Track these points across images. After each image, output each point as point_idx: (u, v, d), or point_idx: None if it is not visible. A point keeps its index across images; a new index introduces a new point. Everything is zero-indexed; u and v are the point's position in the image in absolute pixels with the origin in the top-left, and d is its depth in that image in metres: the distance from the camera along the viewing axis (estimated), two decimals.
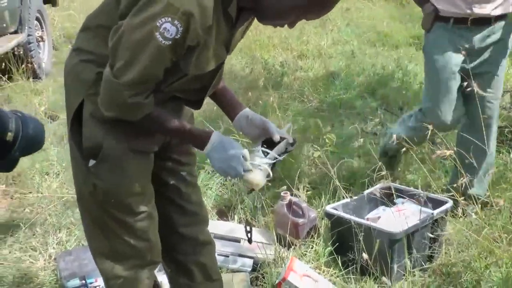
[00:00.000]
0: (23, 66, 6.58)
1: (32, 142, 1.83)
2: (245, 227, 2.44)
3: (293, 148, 2.29)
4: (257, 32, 7.59)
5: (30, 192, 4.42)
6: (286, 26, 2.07)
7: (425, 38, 3.77)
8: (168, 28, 1.82)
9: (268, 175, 2.16)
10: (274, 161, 2.20)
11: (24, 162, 4.75)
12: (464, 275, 2.98)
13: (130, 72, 1.88)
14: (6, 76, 6.41)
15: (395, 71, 6.07)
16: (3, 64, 6.39)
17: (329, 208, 3.33)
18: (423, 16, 3.65)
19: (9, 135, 1.75)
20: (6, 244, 3.78)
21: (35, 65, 6.88)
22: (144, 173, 2.19)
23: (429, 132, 3.18)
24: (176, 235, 2.45)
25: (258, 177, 2.14)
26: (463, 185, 3.02)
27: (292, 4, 1.94)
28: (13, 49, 6.50)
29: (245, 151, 2.11)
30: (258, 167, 2.15)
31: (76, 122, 2.14)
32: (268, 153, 2.19)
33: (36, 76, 6.91)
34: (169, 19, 1.81)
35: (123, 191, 2.13)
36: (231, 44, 2.11)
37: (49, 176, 4.66)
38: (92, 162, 2.09)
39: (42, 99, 6.30)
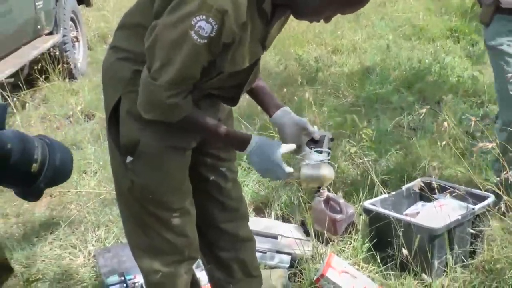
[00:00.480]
0: (59, 66, 6.65)
1: (59, 173, 1.75)
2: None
3: (332, 144, 2.30)
4: (290, 28, 7.56)
5: (69, 190, 4.46)
6: (321, 21, 2.06)
7: (485, 33, 3.58)
8: (203, 26, 1.82)
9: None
10: (329, 156, 2.23)
11: None
12: (508, 272, 2.92)
13: (167, 72, 1.89)
14: (43, 76, 6.48)
15: (432, 65, 5.99)
16: (40, 64, 6.45)
17: (367, 203, 3.31)
18: (482, 9, 3.47)
19: (34, 166, 1.68)
20: (47, 241, 3.84)
21: (70, 65, 6.94)
22: (181, 170, 2.20)
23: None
24: (216, 231, 2.46)
25: (328, 171, 2.19)
26: (507, 180, 2.95)
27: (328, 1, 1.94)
28: (49, 50, 6.56)
29: (283, 147, 2.12)
30: (323, 162, 2.18)
31: (113, 119, 2.15)
32: (319, 151, 2.21)
33: (72, 76, 6.97)
34: (204, 17, 1.81)
35: (160, 188, 2.15)
36: (266, 41, 2.10)
37: (87, 174, 4.73)
38: (129, 159, 2.10)
39: (79, 98, 6.37)
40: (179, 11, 1.83)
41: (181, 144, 2.15)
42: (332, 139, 2.28)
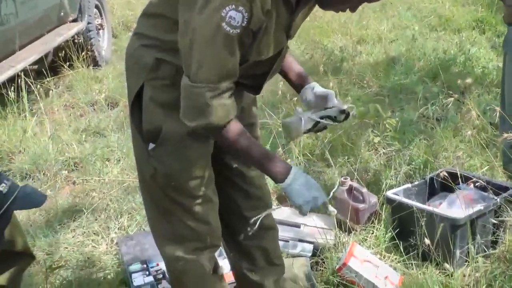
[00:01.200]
0: (83, 54, 6.68)
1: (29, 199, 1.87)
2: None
3: (344, 119, 2.29)
4: (316, 18, 7.54)
5: (92, 178, 4.50)
6: (346, 11, 2.05)
7: (507, 34, 3.38)
8: (234, 16, 1.81)
9: (307, 129, 2.24)
10: (317, 119, 2.24)
11: (85, 148, 4.88)
12: None
13: (206, 71, 1.87)
14: (67, 64, 6.53)
15: (457, 55, 5.97)
16: (64, 52, 6.50)
17: (390, 193, 3.32)
18: (505, 9, 3.24)
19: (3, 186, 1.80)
20: (70, 228, 3.89)
21: (95, 53, 6.98)
22: (203, 157, 2.20)
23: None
24: (240, 218, 2.46)
25: (296, 128, 2.25)
26: None
27: None
28: (73, 37, 6.60)
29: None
30: (300, 115, 2.24)
31: (136, 106, 2.16)
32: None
33: (96, 64, 7.01)
34: (233, 6, 1.80)
35: (182, 175, 2.15)
36: (291, 30, 2.10)
37: (110, 162, 4.77)
38: (151, 146, 2.12)
39: (102, 86, 6.44)
40: (207, 7, 1.82)
41: None
42: (344, 113, 2.25)
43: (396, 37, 6.92)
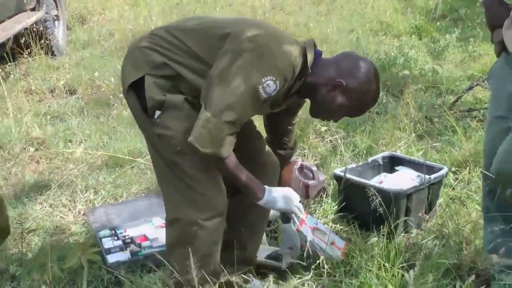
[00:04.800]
0: (41, 41, 6.81)
1: None
2: None
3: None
4: (267, 19, 7.76)
5: (56, 157, 4.71)
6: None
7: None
8: (271, 85, 2.28)
9: None
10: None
11: (48, 130, 5.06)
12: (452, 236, 3.25)
13: (232, 114, 2.28)
14: (27, 51, 6.66)
15: (397, 57, 6.30)
16: (24, 39, 6.62)
17: (337, 171, 3.64)
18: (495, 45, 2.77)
19: None
20: (37, 201, 4.08)
21: (52, 42, 7.10)
22: None
23: None
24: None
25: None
26: None
27: (342, 104, 2.45)
28: (32, 25, 6.71)
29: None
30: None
31: (131, 91, 2.48)
32: None
33: (53, 53, 7.15)
34: (273, 78, 2.27)
35: (186, 137, 2.36)
36: (274, 107, 2.55)
37: (72, 144, 4.96)
38: (157, 113, 2.40)
39: (60, 74, 6.59)
40: (255, 69, 2.26)
41: None
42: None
43: (341, 39, 7.23)
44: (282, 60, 2.29)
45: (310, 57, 2.39)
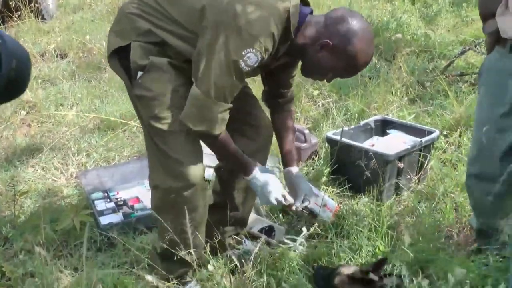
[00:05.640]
0: (31, 5, 6.76)
1: (12, 86, 1.59)
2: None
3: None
4: None
5: (47, 121, 4.71)
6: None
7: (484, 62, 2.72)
8: (252, 57, 2.24)
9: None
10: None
11: (39, 94, 5.05)
12: (442, 198, 3.28)
13: (220, 91, 2.28)
14: (17, 14, 6.61)
15: (390, 22, 6.30)
16: (13, 2, 6.57)
17: (329, 134, 3.64)
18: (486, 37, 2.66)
19: None
20: (29, 164, 4.08)
21: (42, 6, 7.04)
22: (183, 86, 2.40)
23: None
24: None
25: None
26: None
27: (332, 64, 2.37)
28: None
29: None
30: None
31: (115, 55, 2.47)
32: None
33: (42, 17, 7.10)
34: (253, 50, 2.23)
35: (164, 100, 2.36)
36: (266, 68, 2.54)
37: (64, 107, 4.96)
38: (139, 74, 2.38)
39: (50, 38, 6.55)
40: (232, 43, 2.21)
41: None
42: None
43: (334, 4, 7.19)
44: (260, 30, 2.24)
45: (293, 21, 2.35)
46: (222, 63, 2.23)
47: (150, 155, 2.50)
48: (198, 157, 2.43)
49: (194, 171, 2.39)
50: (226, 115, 2.34)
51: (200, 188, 2.42)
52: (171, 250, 2.39)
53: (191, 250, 2.30)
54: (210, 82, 2.26)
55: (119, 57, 2.45)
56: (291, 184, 2.75)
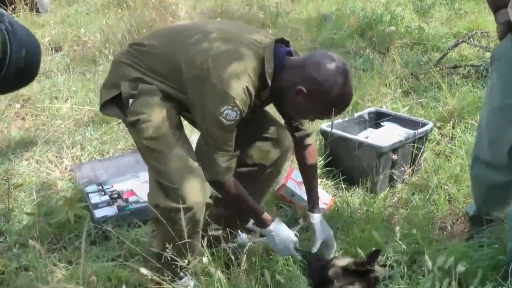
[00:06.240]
0: None
1: (22, 74, 1.58)
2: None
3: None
4: None
5: (42, 114, 4.69)
6: None
7: (496, 48, 2.78)
8: (230, 113, 2.28)
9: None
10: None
11: (33, 87, 5.03)
12: (435, 189, 3.30)
13: (218, 144, 2.35)
14: (12, 7, 6.58)
15: (384, 15, 6.31)
16: None
17: (323, 126, 3.66)
18: (497, 25, 2.63)
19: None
20: (23, 157, 4.06)
21: None
22: (176, 107, 2.45)
23: None
24: None
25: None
26: None
27: (309, 109, 2.37)
28: None
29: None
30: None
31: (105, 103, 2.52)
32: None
33: (37, 10, 7.06)
34: (229, 107, 2.27)
35: (159, 121, 2.38)
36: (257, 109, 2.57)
37: (58, 100, 4.93)
38: (130, 101, 2.42)
39: (45, 31, 6.52)
40: (213, 103, 2.27)
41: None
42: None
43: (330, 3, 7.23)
44: (233, 87, 2.26)
45: (269, 68, 2.36)
46: (209, 118, 2.30)
47: (150, 176, 2.50)
48: (195, 175, 2.39)
49: (192, 193, 2.35)
50: (232, 164, 2.42)
51: (201, 207, 2.39)
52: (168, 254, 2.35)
53: (189, 257, 2.30)
54: (207, 133, 2.34)
55: (111, 100, 2.50)
56: (312, 229, 2.75)
